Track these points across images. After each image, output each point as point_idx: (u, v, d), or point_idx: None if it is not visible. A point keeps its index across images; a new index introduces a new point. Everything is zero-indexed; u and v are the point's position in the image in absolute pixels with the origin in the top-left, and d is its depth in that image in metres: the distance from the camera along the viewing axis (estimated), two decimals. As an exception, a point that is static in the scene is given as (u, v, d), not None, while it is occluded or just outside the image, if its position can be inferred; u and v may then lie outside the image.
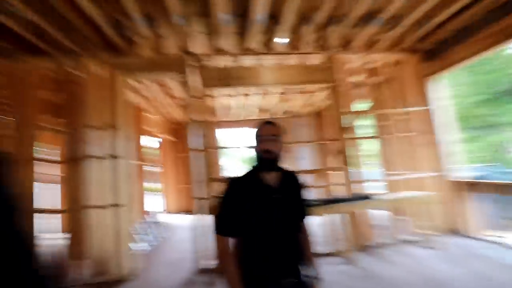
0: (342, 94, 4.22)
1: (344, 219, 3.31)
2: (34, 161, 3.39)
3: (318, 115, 7.78)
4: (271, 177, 1.16)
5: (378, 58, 4.48)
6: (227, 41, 3.90)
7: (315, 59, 4.50)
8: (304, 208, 1.27)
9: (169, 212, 7.61)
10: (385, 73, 4.46)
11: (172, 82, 4.74)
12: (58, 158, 4.90)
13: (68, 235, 3.39)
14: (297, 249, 1.18)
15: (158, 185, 7.37)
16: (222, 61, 4.12)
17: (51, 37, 3.23)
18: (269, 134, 1.14)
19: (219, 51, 3.96)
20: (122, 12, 3.02)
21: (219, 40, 3.76)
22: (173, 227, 6.13)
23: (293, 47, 4.10)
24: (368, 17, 3.52)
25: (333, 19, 3.64)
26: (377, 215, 4.34)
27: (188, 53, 3.74)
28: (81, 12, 2.83)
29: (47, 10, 2.90)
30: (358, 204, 3.35)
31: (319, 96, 6.52)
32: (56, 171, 4.99)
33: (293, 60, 4.49)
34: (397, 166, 4.49)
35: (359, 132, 4.35)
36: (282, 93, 5.84)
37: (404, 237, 3.84)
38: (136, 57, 3.67)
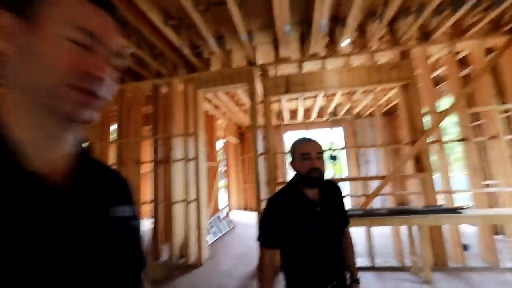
0: (422, 92, 3.78)
1: (421, 232, 2.97)
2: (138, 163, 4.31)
3: (390, 115, 7.07)
4: (314, 191, 1.18)
5: (468, 47, 3.81)
6: (291, 49, 4.03)
7: (386, 57, 4.17)
8: (346, 216, 1.29)
9: (232, 209, 8.24)
10: (478, 63, 3.74)
11: (239, 90, 5.19)
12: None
13: (154, 222, 4.15)
14: (340, 254, 1.22)
15: (222, 184, 8.09)
16: (287, 69, 4.28)
17: (147, 64, 4.05)
18: (316, 151, 1.15)
19: (283, 60, 4.13)
20: (197, 35, 3.53)
21: (283, 49, 3.94)
22: (236, 223, 6.64)
23: (361, 46, 3.91)
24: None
25: (407, 9, 3.33)
26: (465, 231, 3.70)
27: (253, 64, 4.04)
28: (166, 40, 3.46)
29: (142, 43, 3.67)
30: (440, 218, 2.94)
31: (391, 96, 5.95)
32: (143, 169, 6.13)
33: (359, 60, 4.29)
34: (492, 175, 3.71)
35: (443, 134, 3.77)
36: (350, 94, 5.58)
37: (502, 261, 3.16)
38: (209, 72, 4.19)
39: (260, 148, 4.09)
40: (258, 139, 4.15)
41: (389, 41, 3.90)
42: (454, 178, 3.72)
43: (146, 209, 5.48)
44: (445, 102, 5.43)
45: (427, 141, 3.55)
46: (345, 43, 3.79)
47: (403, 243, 3.45)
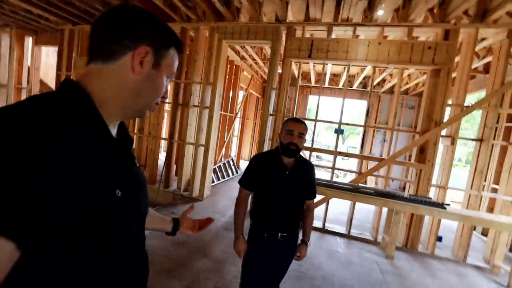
0: (456, 81, 3.50)
1: (396, 216, 3.19)
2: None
3: (420, 97, 6.55)
4: (289, 160, 1.48)
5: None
6: (325, 9, 3.76)
7: (426, 34, 3.76)
8: (312, 190, 1.58)
9: (242, 158, 8.83)
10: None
11: (267, 46, 5.06)
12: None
13: (168, 156, 4.74)
14: (296, 215, 1.53)
15: (237, 133, 8.49)
16: (315, 31, 4.05)
17: (177, 7, 4.05)
18: (298, 131, 1.43)
19: (314, 20, 3.89)
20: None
21: (315, 9, 3.68)
22: (242, 170, 7.22)
23: (402, 17, 3.53)
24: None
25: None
26: (446, 223, 3.85)
27: (282, 22, 3.87)
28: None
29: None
30: (424, 209, 3.09)
31: (421, 78, 5.48)
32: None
33: (396, 33, 3.92)
34: (493, 179, 3.62)
35: (458, 130, 3.60)
36: (381, 68, 5.21)
37: (470, 257, 3.37)
38: (235, 23, 4.11)
39: (272, 108, 4.24)
40: (272, 99, 4.27)
41: (435, 15, 3.46)
42: (452, 172, 3.69)
43: (163, 144, 6.13)
44: (472, 97, 4.92)
45: (439, 134, 3.45)
46: (381, 12, 3.44)
47: (382, 221, 3.72)
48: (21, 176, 0.35)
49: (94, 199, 0.44)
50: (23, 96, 6.20)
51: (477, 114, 14.17)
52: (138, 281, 0.61)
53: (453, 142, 3.51)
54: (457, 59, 3.75)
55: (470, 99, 7.50)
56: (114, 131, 0.57)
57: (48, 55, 6.50)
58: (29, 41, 6.23)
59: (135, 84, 0.54)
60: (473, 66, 3.98)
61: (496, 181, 4.12)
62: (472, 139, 3.68)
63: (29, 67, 6.32)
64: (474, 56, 3.63)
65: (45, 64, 6.41)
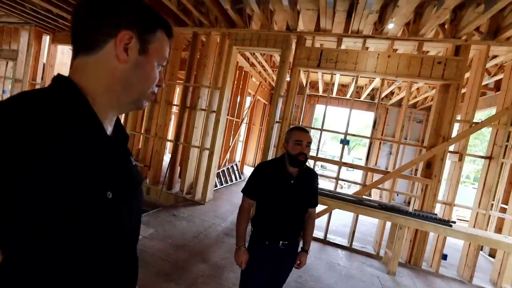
0: (466, 97, 3.47)
1: (400, 231, 3.12)
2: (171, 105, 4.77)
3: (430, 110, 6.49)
4: (294, 169, 1.47)
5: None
6: (336, 21, 3.80)
7: (436, 49, 3.76)
8: (315, 198, 1.57)
9: (246, 164, 8.82)
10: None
11: (276, 54, 5.12)
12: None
13: (172, 158, 4.77)
14: (298, 224, 1.52)
15: (242, 139, 8.50)
16: (325, 42, 4.08)
17: (190, 11, 4.15)
18: (306, 141, 1.43)
19: (324, 31, 3.93)
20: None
21: (326, 20, 3.72)
22: (246, 177, 7.20)
23: (412, 32, 3.54)
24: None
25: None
26: (452, 241, 3.75)
27: (292, 30, 3.92)
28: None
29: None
30: (429, 225, 3.02)
31: (429, 93, 5.44)
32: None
33: (406, 47, 3.93)
34: (507, 200, 3.52)
35: (466, 147, 3.54)
36: (390, 80, 5.20)
37: (476, 278, 3.26)
38: (246, 30, 4.18)
39: (279, 116, 4.25)
40: (279, 106, 4.29)
41: (446, 31, 3.46)
42: (460, 190, 3.61)
43: (168, 145, 6.18)
44: (481, 114, 4.85)
45: (447, 149, 3.40)
46: (391, 25, 3.46)
47: (386, 235, 3.65)
48: (7, 178, 0.34)
49: (84, 201, 0.42)
50: (37, 92, 6.35)
51: (487, 131, 13.94)
52: (126, 284, 0.58)
53: (460, 159, 3.45)
54: (467, 75, 3.72)
55: (480, 116, 7.39)
56: (110, 129, 0.55)
57: (63, 53, 6.68)
58: (46, 39, 6.43)
59: (123, 73, 0.51)
60: (484, 83, 3.94)
61: (505, 201, 4.02)
62: (481, 157, 3.62)
63: (44, 64, 6.51)
64: (485, 73, 3.60)
65: (60, 62, 6.59)
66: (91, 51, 0.49)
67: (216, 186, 5.57)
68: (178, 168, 5.04)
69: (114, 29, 0.49)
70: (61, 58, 6.62)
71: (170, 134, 7.00)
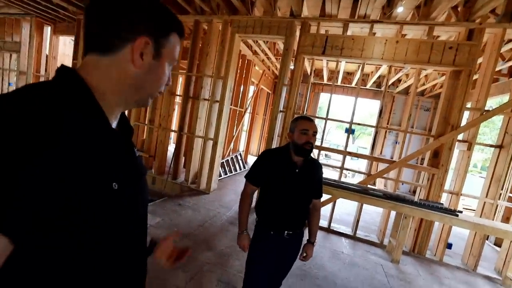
0: (477, 84, 3.34)
1: (405, 220, 3.11)
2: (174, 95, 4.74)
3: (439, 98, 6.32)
4: (298, 158, 1.45)
5: None
6: (342, 5, 3.65)
7: (448, 34, 3.60)
8: (319, 189, 1.56)
9: (250, 153, 8.83)
10: None
11: (280, 41, 4.98)
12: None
13: (177, 148, 4.79)
14: (302, 214, 1.51)
15: (246, 128, 8.47)
16: (331, 28, 3.95)
17: (192, 0, 4.04)
18: (312, 130, 1.40)
19: (330, 16, 3.79)
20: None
21: (331, 4, 3.58)
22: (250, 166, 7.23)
23: (423, 15, 3.38)
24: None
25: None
26: (458, 230, 3.73)
27: (296, 17, 3.79)
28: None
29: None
30: (435, 215, 3.00)
31: (439, 80, 5.27)
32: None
33: (415, 32, 3.77)
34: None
35: (476, 135, 3.45)
36: (397, 67, 5.04)
37: (480, 267, 3.26)
38: (249, 17, 4.06)
39: (282, 105, 4.20)
40: (283, 96, 4.22)
41: (460, 14, 3.29)
42: (466, 178, 3.56)
43: (173, 136, 6.20)
44: (493, 101, 4.69)
45: (455, 138, 3.32)
46: (401, 9, 3.31)
47: (390, 225, 3.65)
48: (13, 169, 0.34)
49: (90, 192, 0.43)
50: (41, 83, 6.38)
51: (497, 119, 13.57)
52: (135, 276, 0.59)
53: (469, 148, 3.37)
54: (479, 60, 3.58)
55: (490, 103, 7.19)
56: (115, 122, 0.55)
57: (65, 44, 6.64)
58: (47, 30, 6.39)
59: (135, 76, 0.51)
60: (497, 69, 3.78)
61: (514, 190, 3.95)
62: (491, 145, 3.53)
63: (47, 56, 6.49)
64: (499, 58, 3.44)
65: (62, 53, 6.57)
66: (106, 52, 0.49)
67: (220, 175, 5.61)
68: (183, 158, 5.06)
69: (132, 34, 0.49)
70: (63, 49, 6.59)
71: (174, 125, 7.00)
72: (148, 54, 0.51)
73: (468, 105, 3.48)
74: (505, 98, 4.19)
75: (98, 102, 0.48)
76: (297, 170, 1.44)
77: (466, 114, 3.39)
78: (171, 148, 5.55)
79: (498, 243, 4.27)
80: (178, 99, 6.67)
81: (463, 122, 3.35)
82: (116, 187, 0.48)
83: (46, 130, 0.37)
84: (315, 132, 1.41)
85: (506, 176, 3.69)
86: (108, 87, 0.50)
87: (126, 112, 5.07)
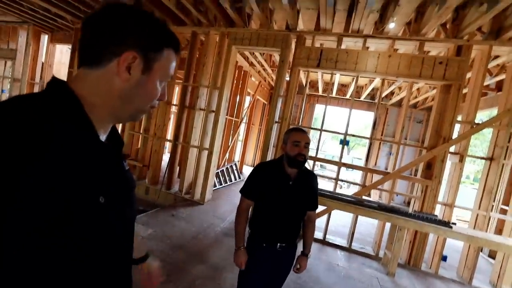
0: (467, 97, 3.44)
1: (400, 232, 3.11)
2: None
3: (431, 110, 6.47)
4: (292, 170, 1.44)
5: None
6: (336, 20, 3.76)
7: (438, 49, 3.73)
8: (314, 201, 1.54)
9: (245, 164, 8.79)
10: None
11: (276, 53, 5.09)
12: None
13: (171, 158, 4.75)
14: (296, 226, 1.49)
15: (241, 138, 8.47)
16: (325, 41, 4.05)
17: (189, 11, 4.12)
18: (304, 141, 1.40)
19: (324, 30, 3.90)
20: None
21: (326, 19, 3.69)
22: (245, 177, 7.19)
23: (414, 31, 3.51)
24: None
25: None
26: (452, 243, 3.73)
27: (292, 30, 3.89)
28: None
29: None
30: (429, 226, 3.00)
31: (430, 93, 5.41)
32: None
33: (407, 47, 3.90)
34: (508, 201, 3.49)
35: (467, 147, 3.51)
36: (390, 80, 5.18)
37: (476, 279, 3.24)
38: (245, 29, 4.15)
39: (278, 115, 4.23)
40: (278, 106, 4.27)
41: (448, 30, 3.43)
42: (460, 191, 3.59)
43: (167, 145, 6.16)
44: (482, 114, 4.82)
45: (447, 150, 3.37)
46: (392, 24, 3.43)
47: (385, 236, 3.63)
48: (6, 178, 0.34)
49: (76, 205, 0.42)
50: (36, 91, 6.34)
51: (488, 132, 13.92)
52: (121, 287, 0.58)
53: (461, 160, 3.43)
54: (468, 75, 3.70)
55: (481, 116, 7.37)
56: (104, 136, 0.55)
57: (62, 53, 6.66)
58: (44, 38, 6.40)
59: (123, 90, 0.51)
60: (485, 83, 3.91)
61: (506, 202, 4.00)
62: (482, 158, 3.60)
63: (43, 64, 6.48)
64: (487, 73, 3.57)
65: (58, 61, 6.57)
66: (94, 65, 0.50)
67: (215, 186, 5.55)
68: (177, 168, 5.01)
69: (119, 48, 0.49)
70: (59, 58, 6.60)
71: (169, 134, 6.97)
72: (136, 68, 0.51)
73: (459, 118, 3.57)
74: (494, 112, 4.31)
75: (87, 115, 0.48)
76: (290, 182, 1.44)
77: (457, 127, 3.46)
78: (166, 157, 5.50)
79: (492, 255, 4.27)
80: (174, 109, 6.66)
81: (455, 134, 3.42)
82: (102, 201, 0.47)
83: (32, 143, 0.37)
84: (308, 143, 1.41)
85: (497, 188, 3.74)
86: (97, 100, 0.50)
87: (121, 121, 5.05)
